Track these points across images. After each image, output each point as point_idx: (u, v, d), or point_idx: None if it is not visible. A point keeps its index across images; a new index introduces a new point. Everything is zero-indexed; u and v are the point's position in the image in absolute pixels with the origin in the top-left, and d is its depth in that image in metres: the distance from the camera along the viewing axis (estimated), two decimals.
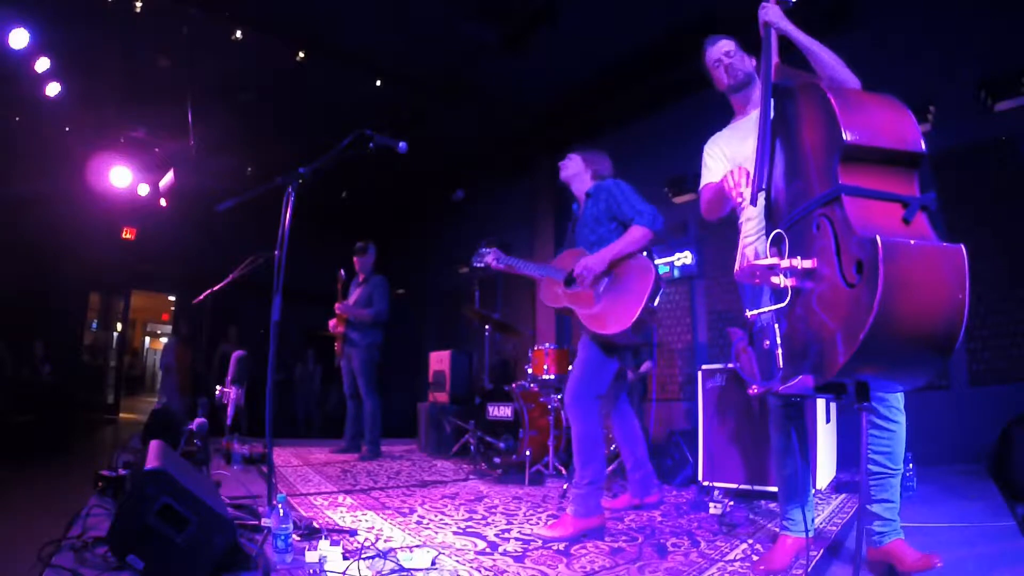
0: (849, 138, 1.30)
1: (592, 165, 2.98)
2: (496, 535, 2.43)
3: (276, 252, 2.67)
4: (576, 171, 2.99)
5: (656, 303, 2.63)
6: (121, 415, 8.79)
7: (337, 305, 5.04)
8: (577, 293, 2.73)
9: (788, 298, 1.44)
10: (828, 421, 3.39)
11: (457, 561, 2.03)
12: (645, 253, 2.70)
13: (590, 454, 2.54)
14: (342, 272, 5.18)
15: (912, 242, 1.19)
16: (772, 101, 1.63)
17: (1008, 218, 3.84)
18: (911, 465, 2.89)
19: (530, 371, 4.20)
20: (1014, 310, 3.77)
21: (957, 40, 4.10)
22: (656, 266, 2.64)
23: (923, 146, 1.34)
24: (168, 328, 14.54)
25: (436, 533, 2.43)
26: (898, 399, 1.78)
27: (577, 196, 3.01)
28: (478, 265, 3.11)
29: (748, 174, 1.77)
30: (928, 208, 1.29)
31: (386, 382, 5.20)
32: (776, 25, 1.75)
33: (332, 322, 5.11)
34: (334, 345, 5.16)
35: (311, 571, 1.82)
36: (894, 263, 1.14)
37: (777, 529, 2.16)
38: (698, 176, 2.23)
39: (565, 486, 3.46)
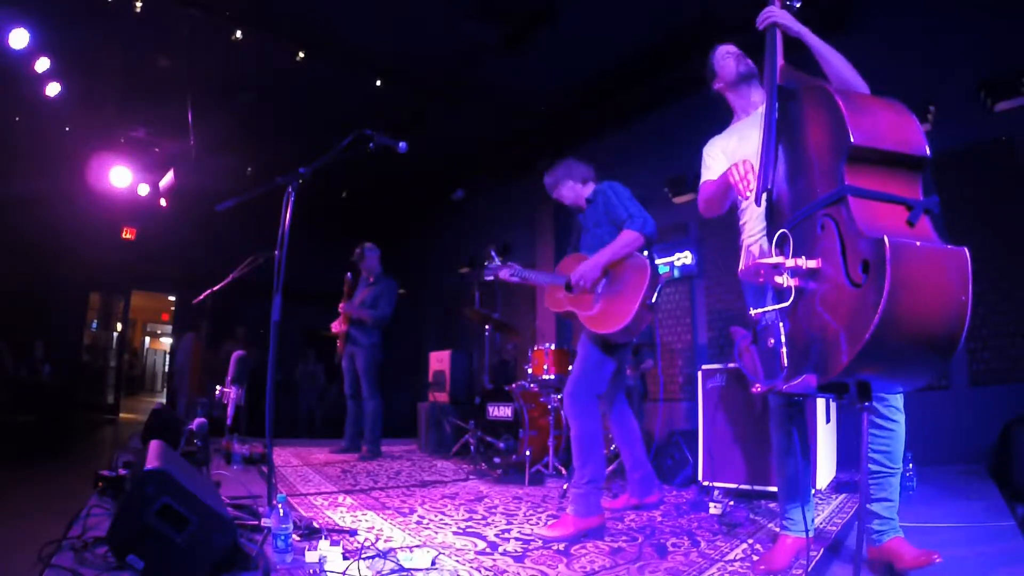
0: (856, 139, 1.31)
1: (578, 175, 3.02)
2: (496, 535, 2.43)
3: (276, 252, 2.67)
4: (572, 191, 3.03)
5: (655, 300, 2.63)
6: (121, 415, 8.79)
7: (342, 305, 5.05)
8: (577, 297, 2.78)
9: (791, 298, 1.44)
10: (828, 421, 3.39)
11: (457, 561, 2.03)
12: (645, 252, 2.70)
13: (589, 453, 2.55)
14: (349, 275, 5.19)
15: (918, 243, 1.20)
16: (776, 103, 1.64)
17: (1008, 218, 3.84)
18: (911, 465, 2.89)
19: (530, 371, 4.20)
20: (1014, 310, 3.77)
21: (957, 40, 4.10)
22: (653, 264, 2.65)
23: (927, 150, 1.36)
24: (168, 328, 14.53)
25: (436, 533, 2.43)
26: (898, 399, 1.79)
27: (582, 208, 3.05)
28: (489, 278, 3.13)
29: (753, 167, 1.78)
30: (931, 211, 1.31)
31: (386, 382, 5.20)
32: (789, 28, 1.74)
33: (335, 323, 5.11)
34: (336, 343, 5.16)
35: (311, 571, 1.82)
36: (900, 264, 1.15)
37: (777, 529, 2.16)
38: (698, 176, 2.24)
39: (565, 486, 3.46)
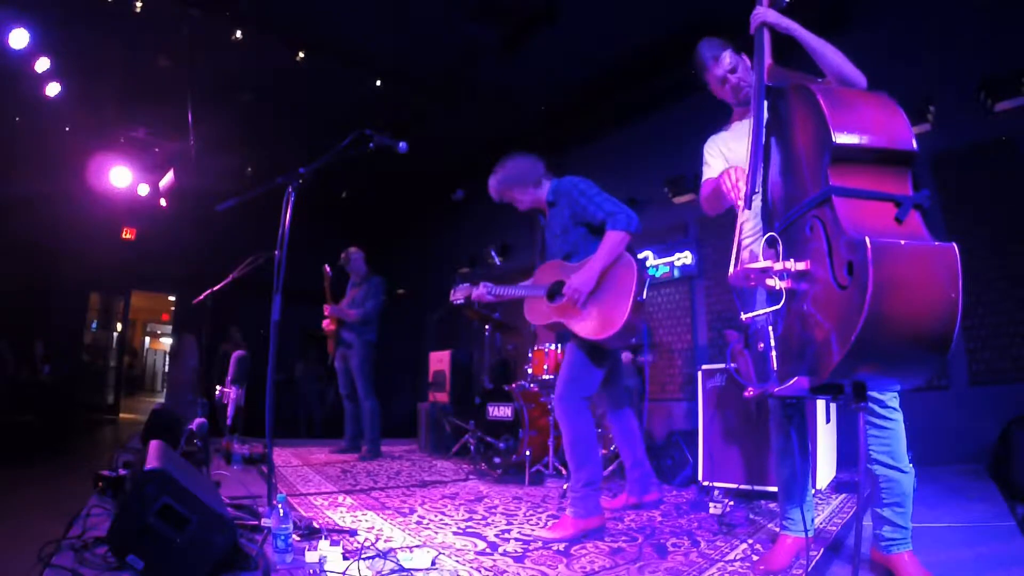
0: (838, 139, 1.29)
1: (530, 177, 2.78)
2: (496, 535, 2.43)
3: (276, 252, 2.67)
4: (528, 195, 2.81)
5: (644, 296, 2.52)
6: (121, 415, 8.79)
7: (325, 307, 5.03)
8: (562, 305, 2.63)
9: (783, 300, 1.43)
10: (828, 421, 3.39)
11: (457, 561, 2.03)
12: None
13: (584, 456, 2.51)
14: (328, 268, 5.15)
15: (903, 242, 1.17)
16: (766, 103, 1.62)
17: (1008, 218, 3.84)
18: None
19: (530, 371, 4.20)
20: (1013, 310, 3.77)
21: (957, 40, 4.10)
22: (638, 259, 2.54)
23: (915, 144, 1.32)
24: (168, 328, 14.54)
25: (436, 533, 2.44)
26: (893, 398, 1.77)
27: (542, 209, 2.87)
28: (458, 302, 2.91)
29: (744, 174, 1.77)
30: (922, 206, 1.28)
31: (386, 382, 5.20)
32: (779, 25, 1.73)
33: (325, 321, 5.10)
34: (327, 345, 5.15)
35: (311, 571, 1.82)
36: (884, 264, 1.13)
37: (777, 529, 2.16)
38: (698, 176, 2.24)
39: (565, 486, 3.46)
